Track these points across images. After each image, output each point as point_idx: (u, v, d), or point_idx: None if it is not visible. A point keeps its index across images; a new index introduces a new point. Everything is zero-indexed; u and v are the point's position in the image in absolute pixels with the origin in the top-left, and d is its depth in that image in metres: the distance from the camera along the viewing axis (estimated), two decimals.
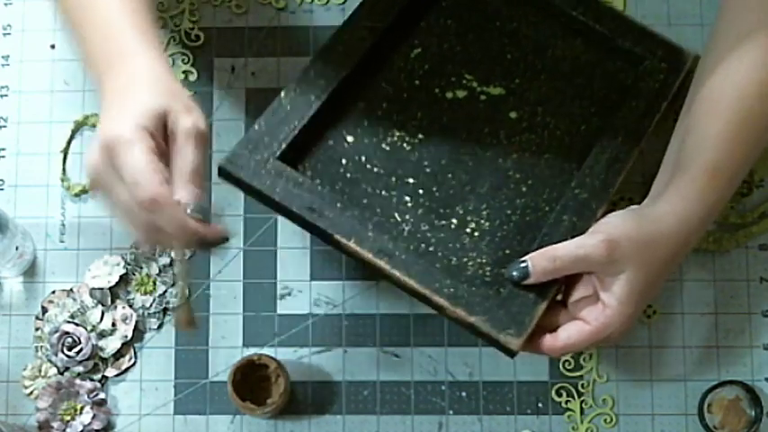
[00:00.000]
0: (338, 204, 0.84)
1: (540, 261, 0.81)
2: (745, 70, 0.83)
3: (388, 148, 0.89)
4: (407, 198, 0.88)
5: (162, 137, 0.76)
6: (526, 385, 0.95)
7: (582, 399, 0.95)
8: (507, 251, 0.86)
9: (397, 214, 0.87)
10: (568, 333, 0.81)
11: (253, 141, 0.85)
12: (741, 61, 0.83)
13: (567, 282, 0.83)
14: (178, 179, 0.76)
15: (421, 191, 0.88)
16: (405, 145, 0.90)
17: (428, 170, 0.89)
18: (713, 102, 0.84)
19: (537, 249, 0.82)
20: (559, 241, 0.82)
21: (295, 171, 0.85)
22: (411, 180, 0.89)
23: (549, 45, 0.95)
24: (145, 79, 0.78)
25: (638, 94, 0.92)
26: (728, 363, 0.96)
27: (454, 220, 0.87)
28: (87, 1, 0.82)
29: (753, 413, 0.93)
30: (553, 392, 0.95)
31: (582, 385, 0.95)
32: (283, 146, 0.85)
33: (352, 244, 0.82)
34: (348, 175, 0.88)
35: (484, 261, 0.86)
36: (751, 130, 0.83)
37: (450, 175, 0.89)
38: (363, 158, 0.89)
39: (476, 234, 0.87)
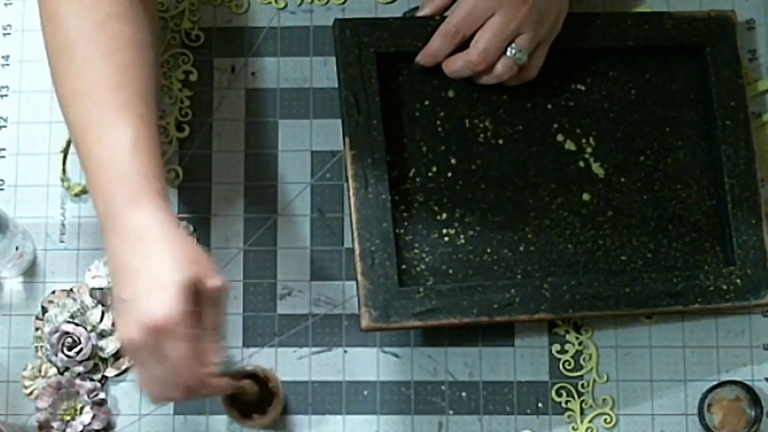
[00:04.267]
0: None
1: None
2: None
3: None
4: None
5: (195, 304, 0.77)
6: (526, 385, 0.95)
7: (582, 399, 0.95)
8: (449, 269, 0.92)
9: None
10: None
11: None
12: None
13: None
14: (210, 338, 0.77)
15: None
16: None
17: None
18: None
19: None
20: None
21: None
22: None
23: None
24: (161, 245, 0.76)
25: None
26: (728, 363, 0.96)
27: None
28: (94, 128, 0.80)
29: (753, 413, 0.93)
30: (553, 392, 0.95)
31: (582, 385, 0.95)
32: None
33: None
34: None
35: (426, 258, 0.91)
36: None
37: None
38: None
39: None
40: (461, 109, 0.94)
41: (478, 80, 0.92)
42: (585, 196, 0.94)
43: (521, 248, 0.92)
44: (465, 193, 0.93)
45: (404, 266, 0.90)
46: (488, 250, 0.92)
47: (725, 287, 0.92)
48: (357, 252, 0.89)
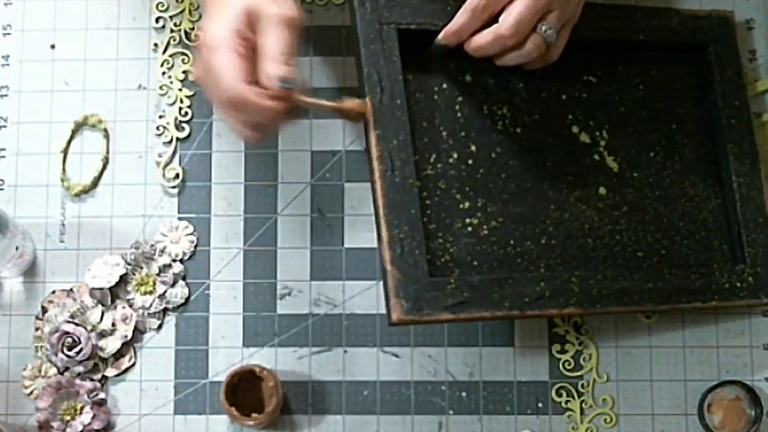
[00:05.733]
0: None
1: None
2: None
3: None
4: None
5: (255, 35, 0.81)
6: (526, 385, 0.95)
7: (582, 399, 0.95)
8: (475, 261, 0.89)
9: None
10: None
11: None
12: None
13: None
14: (262, 60, 0.80)
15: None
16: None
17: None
18: None
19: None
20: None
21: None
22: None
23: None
24: None
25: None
26: (728, 363, 0.96)
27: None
28: None
29: (753, 413, 0.93)
30: (553, 392, 0.95)
31: (582, 385, 0.95)
32: None
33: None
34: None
35: (450, 249, 0.88)
36: None
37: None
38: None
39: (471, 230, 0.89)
40: (479, 95, 0.92)
41: (502, 59, 0.90)
42: (602, 190, 0.94)
43: (542, 241, 0.91)
44: (486, 182, 0.91)
45: (428, 257, 0.86)
46: (512, 242, 0.90)
47: (738, 285, 0.93)
48: (385, 240, 0.84)
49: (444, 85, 0.91)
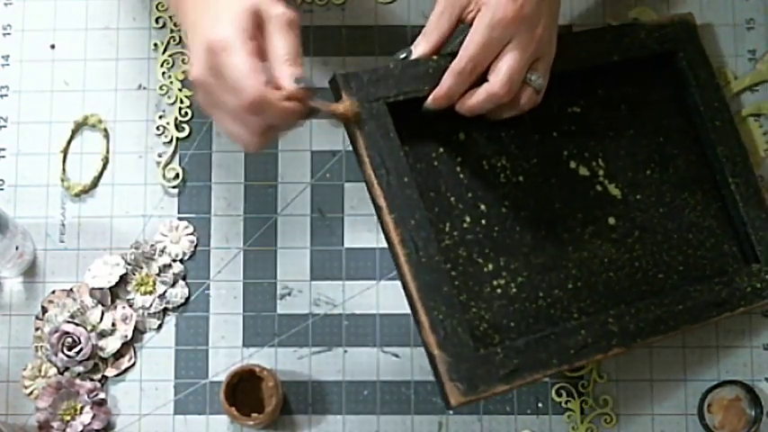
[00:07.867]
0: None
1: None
2: None
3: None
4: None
5: (260, 35, 0.78)
6: (526, 385, 0.95)
7: (582, 399, 0.95)
8: (512, 323, 0.87)
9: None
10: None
11: None
12: None
13: None
14: (275, 64, 0.77)
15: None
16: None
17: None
18: None
19: None
20: None
21: None
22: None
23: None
24: None
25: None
26: (728, 363, 0.96)
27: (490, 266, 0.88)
28: None
29: (753, 413, 0.93)
30: (553, 392, 0.95)
31: (582, 385, 0.95)
32: None
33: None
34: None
35: (486, 316, 0.86)
36: None
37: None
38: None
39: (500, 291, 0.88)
40: (475, 151, 0.90)
41: (495, 115, 0.88)
42: (611, 220, 0.92)
43: (569, 286, 0.89)
44: (504, 239, 0.89)
45: (469, 330, 0.84)
46: (541, 294, 0.88)
47: (759, 285, 0.92)
48: (426, 325, 0.81)
49: (441, 149, 0.89)
